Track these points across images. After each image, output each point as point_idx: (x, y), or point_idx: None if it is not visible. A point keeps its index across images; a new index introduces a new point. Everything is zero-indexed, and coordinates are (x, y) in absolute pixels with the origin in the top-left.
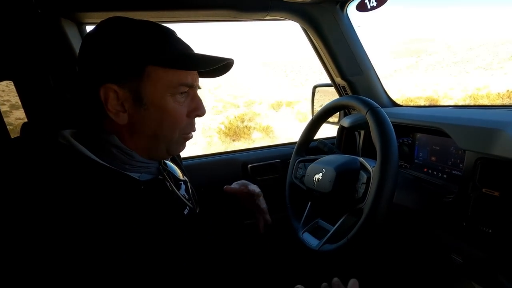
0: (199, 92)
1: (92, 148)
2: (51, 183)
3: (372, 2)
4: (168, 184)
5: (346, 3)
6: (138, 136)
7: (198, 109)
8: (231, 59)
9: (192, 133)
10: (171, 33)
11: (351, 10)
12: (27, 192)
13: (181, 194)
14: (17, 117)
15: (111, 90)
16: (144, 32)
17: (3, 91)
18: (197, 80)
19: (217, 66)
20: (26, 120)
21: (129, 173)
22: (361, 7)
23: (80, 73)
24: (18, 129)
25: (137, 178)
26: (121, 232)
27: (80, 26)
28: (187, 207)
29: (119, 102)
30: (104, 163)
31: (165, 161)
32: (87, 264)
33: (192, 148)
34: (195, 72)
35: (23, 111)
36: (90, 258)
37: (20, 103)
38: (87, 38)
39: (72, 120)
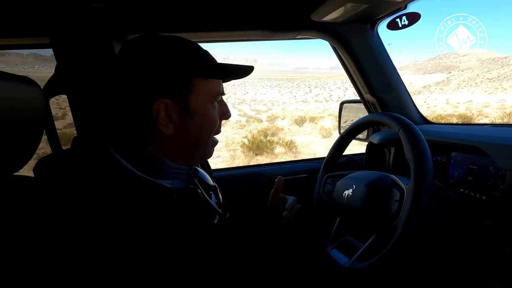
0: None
1: (131, 159)
2: (93, 194)
3: (404, 21)
4: (200, 192)
5: (377, 22)
6: (180, 144)
7: (227, 113)
8: (252, 67)
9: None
10: (204, 51)
11: (381, 28)
12: (70, 201)
13: (212, 202)
14: (56, 127)
15: (163, 104)
16: (185, 48)
17: None
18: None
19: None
20: (64, 130)
21: (162, 181)
22: (392, 26)
23: (130, 89)
24: None
25: (170, 186)
26: (151, 241)
27: None
28: (217, 216)
29: (167, 114)
30: (141, 174)
31: (196, 167)
32: (119, 273)
33: (216, 160)
34: (222, 82)
35: (61, 122)
36: (123, 267)
37: (59, 114)
38: (131, 56)
39: (116, 132)
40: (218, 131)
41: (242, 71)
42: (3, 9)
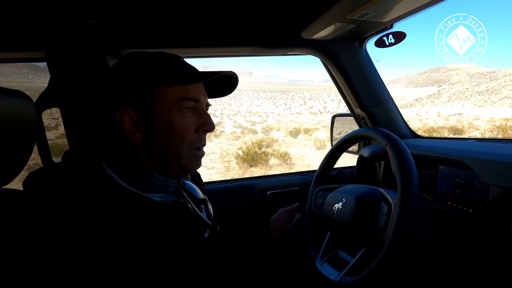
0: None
1: (120, 172)
2: (82, 208)
3: (390, 39)
4: (190, 206)
5: (365, 39)
6: (153, 154)
7: (206, 124)
8: (229, 72)
9: (204, 149)
10: (175, 57)
11: (370, 45)
12: (60, 215)
13: (202, 215)
14: (48, 138)
15: (125, 113)
16: (151, 60)
17: None
18: (202, 96)
19: (223, 86)
20: (55, 141)
21: (151, 195)
22: (380, 44)
23: (98, 100)
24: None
25: (159, 200)
26: (141, 256)
27: None
28: (207, 230)
29: (133, 123)
30: (130, 188)
31: (185, 180)
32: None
33: (210, 172)
34: (199, 89)
35: (54, 132)
36: (112, 282)
37: (52, 125)
38: (107, 72)
39: (107, 146)
40: (197, 143)
41: (210, 74)
42: None
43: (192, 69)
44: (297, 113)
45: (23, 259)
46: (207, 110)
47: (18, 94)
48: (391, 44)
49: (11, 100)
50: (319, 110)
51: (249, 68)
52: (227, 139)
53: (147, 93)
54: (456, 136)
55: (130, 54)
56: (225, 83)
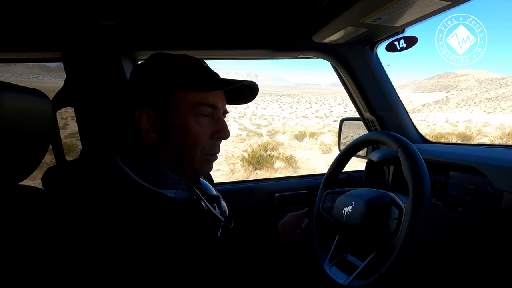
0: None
1: (134, 169)
2: (100, 203)
3: (402, 44)
4: (203, 203)
5: (376, 44)
6: (166, 155)
7: (221, 132)
8: (249, 81)
9: (217, 155)
10: (198, 62)
11: (381, 48)
12: (78, 210)
13: (216, 212)
14: None
15: (144, 112)
16: (173, 63)
17: None
18: (220, 103)
19: (243, 94)
20: (64, 140)
21: (165, 191)
22: (391, 48)
23: (119, 98)
24: None
25: (173, 196)
26: (155, 250)
27: (135, 62)
28: (220, 229)
29: (150, 123)
30: (145, 184)
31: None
32: (124, 282)
33: (215, 174)
34: (218, 95)
35: (62, 132)
36: (127, 276)
37: (60, 124)
38: (131, 72)
39: (122, 143)
40: (210, 149)
41: (229, 82)
42: (18, 24)
43: (213, 75)
44: (303, 116)
45: (46, 251)
46: (225, 117)
47: (37, 93)
48: (402, 49)
49: (31, 99)
50: (325, 114)
51: (256, 71)
52: (233, 141)
53: (166, 95)
54: (465, 142)
55: (155, 55)
56: (245, 92)
